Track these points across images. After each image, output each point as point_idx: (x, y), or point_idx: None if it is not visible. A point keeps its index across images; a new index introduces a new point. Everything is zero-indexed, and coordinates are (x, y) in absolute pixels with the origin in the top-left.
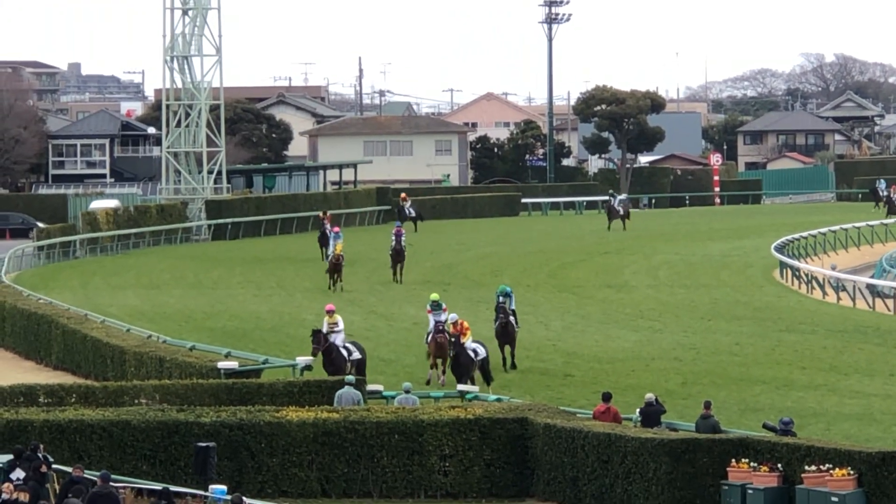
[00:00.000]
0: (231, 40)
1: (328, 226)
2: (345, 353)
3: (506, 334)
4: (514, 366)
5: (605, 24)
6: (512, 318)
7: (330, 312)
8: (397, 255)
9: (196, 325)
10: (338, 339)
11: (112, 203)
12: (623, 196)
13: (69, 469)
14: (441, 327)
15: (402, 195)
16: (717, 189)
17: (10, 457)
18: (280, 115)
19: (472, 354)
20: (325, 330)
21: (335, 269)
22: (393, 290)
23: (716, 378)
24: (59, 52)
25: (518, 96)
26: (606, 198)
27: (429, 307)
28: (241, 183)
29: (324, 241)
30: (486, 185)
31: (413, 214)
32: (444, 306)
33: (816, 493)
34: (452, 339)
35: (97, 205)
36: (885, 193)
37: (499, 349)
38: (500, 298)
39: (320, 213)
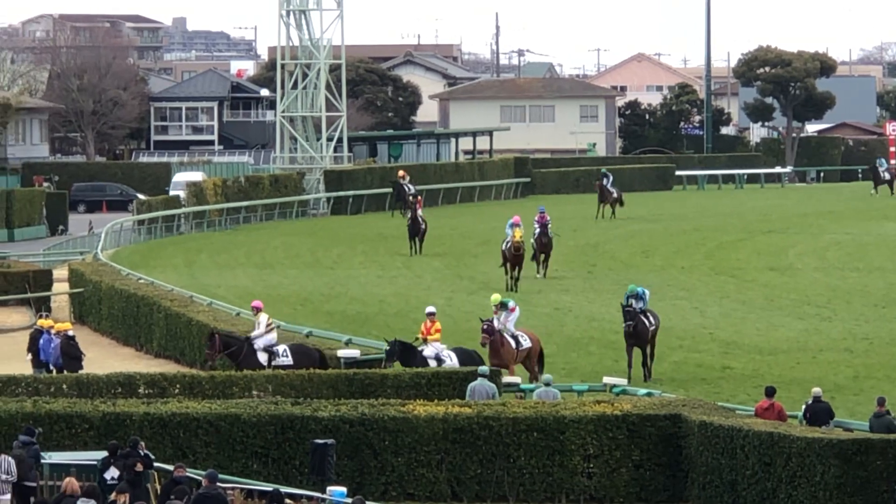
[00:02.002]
0: None
1: (420, 211)
2: (263, 357)
3: (635, 335)
4: (647, 375)
5: None
6: (646, 318)
7: (255, 310)
8: (542, 248)
9: (313, 308)
10: (260, 342)
11: (196, 176)
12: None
13: (171, 467)
14: (485, 326)
15: (401, 172)
16: (893, 161)
17: (105, 454)
18: (408, 77)
19: (432, 363)
20: (259, 331)
21: (516, 260)
22: (531, 270)
23: (891, 372)
24: (162, 6)
25: (672, 57)
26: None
27: (494, 309)
28: (364, 151)
29: (414, 228)
30: (636, 155)
31: (412, 192)
32: (510, 305)
33: None
34: (388, 344)
35: (181, 178)
36: (888, 175)
37: (626, 353)
38: (628, 301)
39: (411, 197)
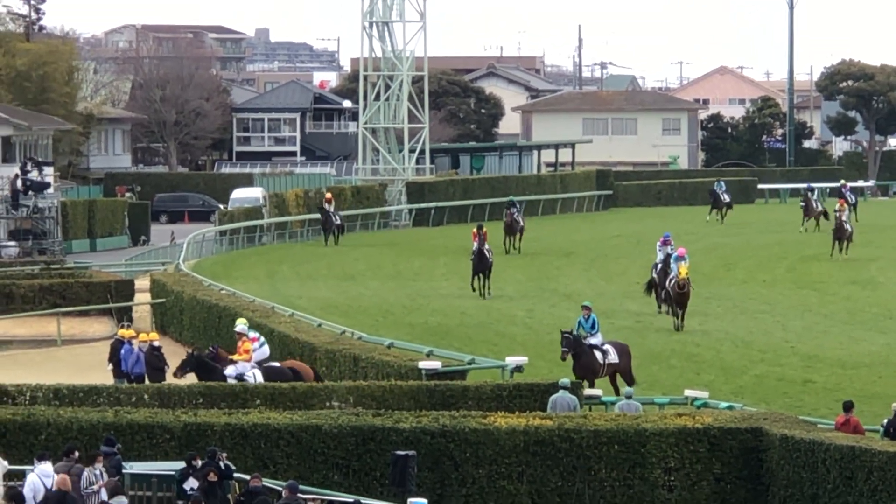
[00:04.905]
0: (437, 5)
1: (487, 244)
2: None
3: (580, 368)
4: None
5: None
6: (601, 352)
7: None
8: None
9: (395, 320)
10: None
11: (256, 192)
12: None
13: (249, 478)
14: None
15: (328, 195)
16: None
17: (184, 465)
18: (490, 89)
19: (232, 382)
20: None
21: (679, 300)
22: (614, 284)
23: None
24: (245, 17)
25: (754, 70)
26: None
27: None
28: (447, 163)
29: (481, 264)
30: (718, 168)
31: (338, 223)
32: (252, 335)
33: None
34: (186, 356)
35: (239, 194)
36: (727, 198)
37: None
38: (579, 325)
39: (474, 229)
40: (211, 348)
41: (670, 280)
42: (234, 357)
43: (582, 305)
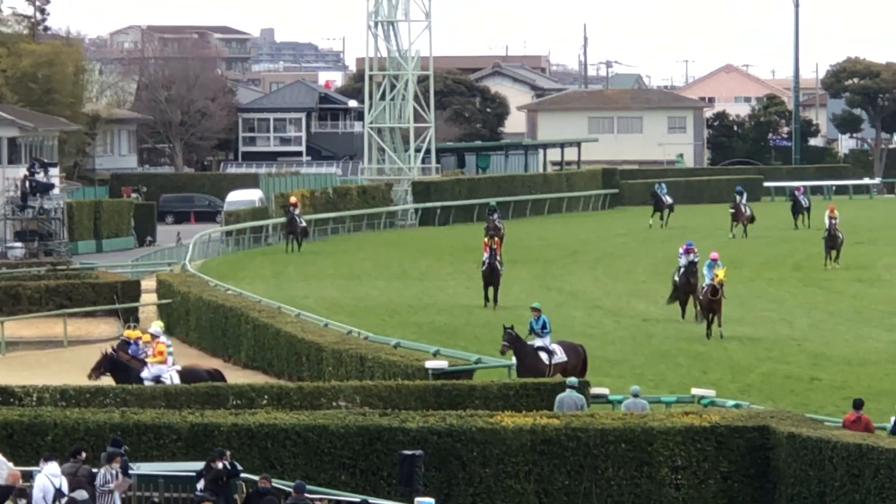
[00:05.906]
0: (442, 4)
1: (499, 255)
2: None
3: (525, 370)
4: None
5: None
6: (547, 354)
7: None
8: (686, 286)
9: (401, 319)
10: None
11: (253, 195)
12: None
13: (257, 478)
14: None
15: (293, 199)
16: None
17: (201, 465)
18: (495, 88)
19: (149, 384)
20: None
21: (711, 306)
22: (620, 282)
23: None
24: (250, 17)
25: (760, 68)
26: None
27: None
28: (452, 162)
29: (492, 276)
30: (724, 166)
31: (303, 225)
32: (164, 341)
33: None
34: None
35: (236, 196)
36: (669, 200)
37: None
38: (529, 328)
39: (486, 238)
40: (112, 350)
41: (703, 287)
42: (149, 360)
43: (531, 307)
